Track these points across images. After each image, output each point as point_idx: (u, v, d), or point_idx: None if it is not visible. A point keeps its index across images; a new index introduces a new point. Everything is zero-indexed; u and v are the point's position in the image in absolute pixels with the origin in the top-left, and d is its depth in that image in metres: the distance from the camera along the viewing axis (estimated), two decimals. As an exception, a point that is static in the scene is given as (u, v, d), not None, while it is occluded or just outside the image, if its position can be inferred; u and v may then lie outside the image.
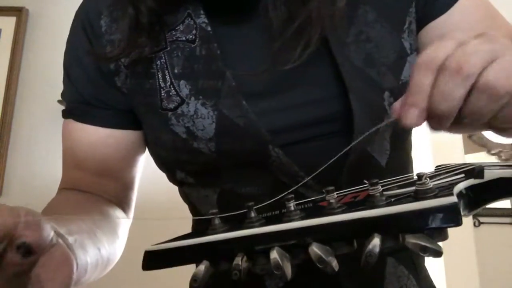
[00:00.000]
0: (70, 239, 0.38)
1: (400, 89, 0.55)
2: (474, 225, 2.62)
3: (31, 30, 2.00)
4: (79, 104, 0.62)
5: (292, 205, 0.29)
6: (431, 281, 0.64)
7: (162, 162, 0.60)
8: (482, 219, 2.65)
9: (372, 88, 0.53)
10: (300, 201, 0.32)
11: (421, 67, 0.35)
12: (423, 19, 0.58)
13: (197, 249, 0.28)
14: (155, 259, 0.29)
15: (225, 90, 0.53)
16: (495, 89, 0.32)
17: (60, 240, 0.36)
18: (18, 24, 1.99)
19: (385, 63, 0.54)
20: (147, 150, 0.66)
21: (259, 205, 0.32)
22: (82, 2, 0.64)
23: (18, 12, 2.00)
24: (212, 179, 0.57)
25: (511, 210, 2.71)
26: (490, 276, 2.44)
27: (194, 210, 0.64)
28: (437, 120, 0.35)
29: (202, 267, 0.27)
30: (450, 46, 0.35)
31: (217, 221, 0.29)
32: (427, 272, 0.63)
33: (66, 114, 0.64)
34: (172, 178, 0.61)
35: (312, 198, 0.33)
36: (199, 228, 0.64)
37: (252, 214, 0.29)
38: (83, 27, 0.61)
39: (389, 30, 0.56)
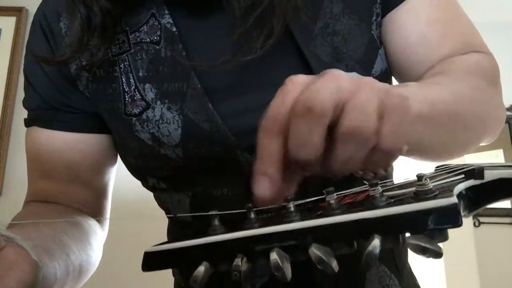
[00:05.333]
0: (28, 243, 0.37)
1: None
2: (474, 225, 2.62)
3: (31, 30, 2.00)
4: (43, 110, 0.59)
5: (291, 206, 0.29)
6: (415, 279, 0.63)
7: (132, 169, 0.58)
8: (482, 219, 2.65)
9: None
10: (299, 202, 0.32)
11: (267, 129, 0.32)
12: (383, 10, 0.56)
13: (197, 250, 0.28)
14: (154, 260, 0.29)
15: (190, 92, 0.51)
16: (359, 133, 0.29)
17: (13, 243, 0.35)
18: (18, 24, 1.99)
19: (353, 57, 0.53)
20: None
21: (259, 208, 0.31)
22: (40, 4, 0.62)
23: (18, 12, 2.00)
24: (184, 183, 0.55)
25: (511, 210, 2.71)
26: (490, 276, 2.44)
27: (169, 214, 0.63)
28: (301, 168, 0.31)
29: (202, 268, 0.27)
30: (292, 95, 0.31)
31: (216, 222, 0.29)
32: (410, 270, 0.63)
33: (29, 122, 0.61)
34: (145, 184, 0.59)
35: (312, 199, 0.33)
36: (176, 231, 0.63)
37: (252, 215, 0.29)
38: (42, 30, 0.59)
39: (357, 22, 0.54)
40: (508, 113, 2.44)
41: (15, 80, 1.96)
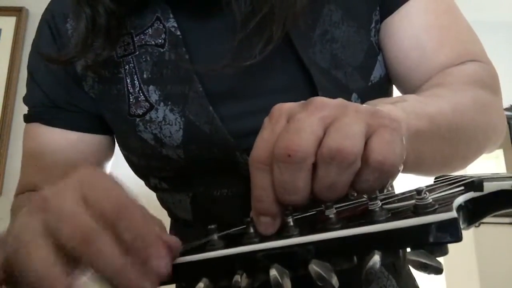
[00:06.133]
0: None
1: (368, 91, 0.53)
2: (474, 225, 2.62)
3: (31, 30, 2.00)
4: (47, 108, 0.60)
5: (290, 220, 0.29)
6: (414, 280, 0.63)
7: (135, 168, 0.59)
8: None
9: (339, 90, 0.52)
10: (298, 216, 0.32)
11: (257, 165, 0.31)
12: (381, 16, 0.57)
13: (196, 266, 0.28)
14: None
15: (191, 95, 0.52)
16: (341, 154, 0.28)
17: None
18: (18, 24, 1.99)
19: (351, 63, 0.53)
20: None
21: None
22: (49, 4, 0.62)
23: (18, 12, 2.00)
24: (184, 184, 0.56)
25: (511, 210, 2.71)
26: (490, 276, 2.44)
27: (171, 215, 0.64)
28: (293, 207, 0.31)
29: (201, 284, 0.27)
30: (280, 125, 0.31)
31: (215, 236, 0.29)
32: (409, 271, 0.63)
33: (32, 118, 0.62)
34: (147, 184, 0.60)
35: (311, 213, 0.33)
36: (178, 231, 0.64)
37: (251, 230, 0.29)
38: (50, 29, 0.60)
39: (356, 29, 0.55)
40: (508, 113, 2.44)
41: (15, 79, 1.96)
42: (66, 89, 0.59)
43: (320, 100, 0.31)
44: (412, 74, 0.55)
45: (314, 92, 0.51)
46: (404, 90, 0.58)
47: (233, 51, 0.49)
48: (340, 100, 0.32)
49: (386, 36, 0.56)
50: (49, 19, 0.60)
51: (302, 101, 0.32)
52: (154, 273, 0.28)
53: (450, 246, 0.27)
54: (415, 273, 0.64)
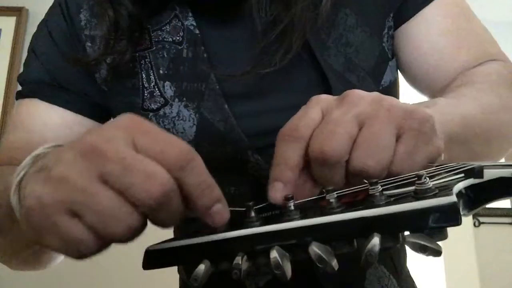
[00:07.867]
0: None
1: None
2: (474, 225, 2.62)
3: (31, 30, 1.99)
4: (49, 86, 0.59)
5: (291, 204, 0.29)
6: (413, 282, 0.64)
7: None
8: (482, 219, 2.65)
9: None
10: (300, 201, 0.32)
11: (281, 137, 0.34)
12: (396, 22, 0.58)
13: (197, 249, 0.28)
14: (155, 259, 0.29)
15: (207, 92, 0.53)
16: (366, 172, 0.32)
17: None
18: (18, 24, 1.99)
19: (364, 67, 0.54)
20: None
21: (260, 206, 0.32)
22: None
23: (18, 12, 2.00)
24: None
25: (511, 210, 2.71)
26: (490, 276, 2.44)
27: None
28: None
29: (202, 266, 0.27)
30: (311, 118, 0.34)
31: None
32: (409, 273, 0.64)
33: (29, 94, 0.60)
34: None
35: (312, 198, 0.33)
36: (183, 226, 0.64)
37: (252, 214, 0.29)
38: (62, 14, 0.59)
39: (369, 34, 0.56)
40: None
41: (15, 79, 1.95)
42: (77, 75, 0.59)
43: (356, 94, 0.33)
44: (430, 77, 0.57)
45: (328, 94, 0.52)
46: (422, 92, 0.59)
47: (253, 58, 0.51)
48: (376, 95, 0.34)
49: (403, 42, 0.57)
50: (63, 5, 0.60)
51: (338, 96, 0.35)
52: (217, 218, 0.29)
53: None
54: (414, 273, 0.65)
